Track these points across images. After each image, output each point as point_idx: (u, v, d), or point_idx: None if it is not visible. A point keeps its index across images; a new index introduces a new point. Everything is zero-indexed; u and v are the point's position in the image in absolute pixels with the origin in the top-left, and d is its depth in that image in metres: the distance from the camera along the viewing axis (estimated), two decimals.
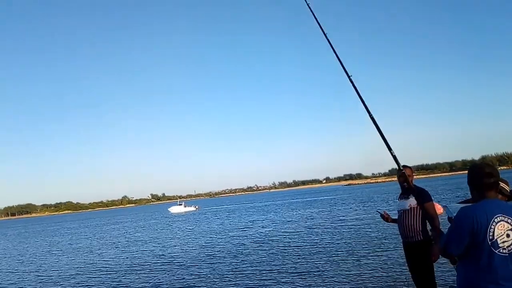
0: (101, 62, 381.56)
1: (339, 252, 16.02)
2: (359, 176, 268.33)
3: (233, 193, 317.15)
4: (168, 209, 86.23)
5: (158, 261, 18.55)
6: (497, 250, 2.66)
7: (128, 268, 17.46)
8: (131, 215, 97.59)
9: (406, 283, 5.80)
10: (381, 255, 14.86)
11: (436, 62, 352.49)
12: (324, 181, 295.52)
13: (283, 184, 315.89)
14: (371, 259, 14.26)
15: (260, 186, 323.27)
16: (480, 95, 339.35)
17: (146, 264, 18.14)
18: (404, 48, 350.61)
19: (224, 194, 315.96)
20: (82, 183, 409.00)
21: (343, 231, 22.68)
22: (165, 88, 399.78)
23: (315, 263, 14.20)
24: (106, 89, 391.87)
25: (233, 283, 12.52)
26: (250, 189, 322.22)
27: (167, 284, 13.44)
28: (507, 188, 3.62)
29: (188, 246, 23.25)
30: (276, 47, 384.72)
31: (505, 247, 2.67)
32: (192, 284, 12.92)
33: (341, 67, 4.82)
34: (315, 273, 12.67)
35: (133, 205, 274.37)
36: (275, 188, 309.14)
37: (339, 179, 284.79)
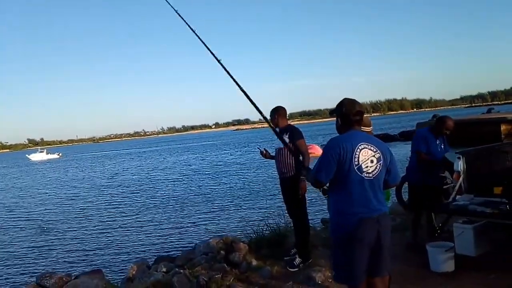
0: None
1: (221, 196, 16.10)
2: (246, 121, 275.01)
3: (118, 138, 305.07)
4: (28, 156, 79.73)
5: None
6: (363, 174, 2.86)
7: None
8: (4, 159, 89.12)
9: (282, 214, 6.20)
10: (260, 192, 15.35)
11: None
12: (214, 126, 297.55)
13: (172, 129, 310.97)
14: (251, 197, 14.64)
15: (148, 131, 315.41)
16: (361, 46, 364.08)
17: None
18: None
19: (109, 139, 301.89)
20: None
21: (224, 176, 22.96)
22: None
23: (193, 213, 13.78)
24: None
25: (96, 239, 11.70)
26: (137, 134, 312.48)
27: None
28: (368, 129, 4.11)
29: (45, 198, 21.73)
30: None
31: (369, 171, 2.87)
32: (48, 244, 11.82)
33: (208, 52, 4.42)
34: (193, 224, 12.31)
35: (7, 150, 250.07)
36: (164, 133, 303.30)
37: (228, 124, 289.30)
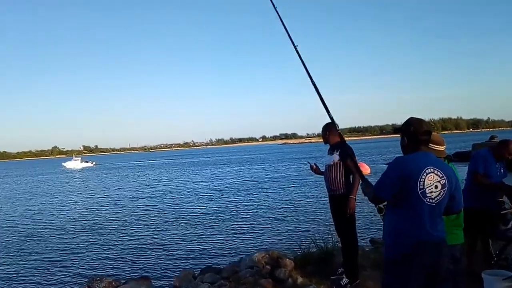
0: None
1: (268, 211, 16.06)
2: (294, 135, 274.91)
3: (168, 148, 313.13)
4: (63, 163, 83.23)
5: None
6: (426, 200, 2.75)
7: None
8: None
9: (329, 232, 6.12)
10: (308, 208, 15.17)
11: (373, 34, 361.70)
12: (261, 140, 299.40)
13: (220, 141, 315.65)
14: (299, 213, 14.51)
15: (197, 142, 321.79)
16: (413, 62, 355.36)
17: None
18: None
19: (160, 149, 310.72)
20: (13, 131, 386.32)
21: (270, 190, 22.92)
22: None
23: (239, 226, 13.75)
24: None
25: (144, 247, 11.85)
26: (186, 144, 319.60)
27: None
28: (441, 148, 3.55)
29: (90, 204, 22.45)
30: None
31: (432, 197, 2.76)
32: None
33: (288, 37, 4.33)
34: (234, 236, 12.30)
35: (64, 156, 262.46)
36: (212, 144, 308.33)
37: (275, 138, 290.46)
